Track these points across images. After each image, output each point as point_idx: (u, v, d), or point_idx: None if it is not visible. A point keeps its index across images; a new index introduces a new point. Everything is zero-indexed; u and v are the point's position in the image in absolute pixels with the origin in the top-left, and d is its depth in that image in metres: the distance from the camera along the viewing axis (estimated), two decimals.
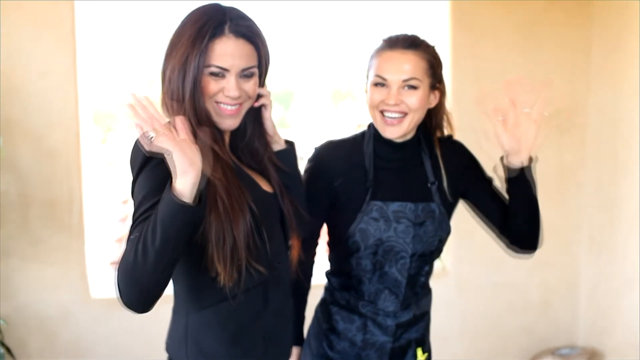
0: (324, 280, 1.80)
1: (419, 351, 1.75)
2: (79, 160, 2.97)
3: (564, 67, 3.42)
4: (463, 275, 3.45)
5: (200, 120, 1.29)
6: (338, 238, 1.69)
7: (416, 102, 1.58)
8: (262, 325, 1.39)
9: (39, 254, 2.95)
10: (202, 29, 1.28)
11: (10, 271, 2.92)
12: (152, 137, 1.08)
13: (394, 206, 1.63)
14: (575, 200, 3.54)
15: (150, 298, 1.13)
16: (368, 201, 1.63)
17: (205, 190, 1.14)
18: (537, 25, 3.36)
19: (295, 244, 1.55)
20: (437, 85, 1.64)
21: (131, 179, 1.25)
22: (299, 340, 1.77)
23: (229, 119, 1.35)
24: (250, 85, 1.35)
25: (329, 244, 1.76)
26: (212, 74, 1.30)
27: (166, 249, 1.08)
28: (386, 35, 1.62)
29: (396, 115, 1.59)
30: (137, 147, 1.24)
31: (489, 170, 1.70)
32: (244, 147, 1.46)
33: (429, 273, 1.74)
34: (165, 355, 1.44)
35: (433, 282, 1.80)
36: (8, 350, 2.75)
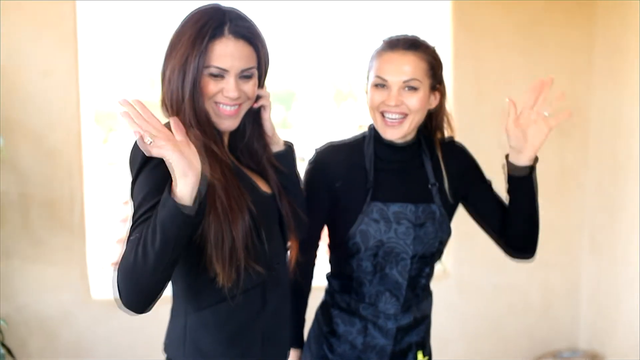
0: (324, 283, 1.80)
1: (420, 354, 1.75)
2: (80, 160, 2.97)
3: (565, 68, 3.41)
4: (464, 277, 3.44)
5: (199, 121, 1.30)
6: (338, 240, 1.69)
7: (416, 103, 1.58)
8: (261, 326, 1.39)
9: (40, 255, 2.95)
10: (202, 30, 1.28)
11: (11, 271, 2.92)
12: (150, 142, 1.08)
13: (395, 207, 1.63)
14: (576, 201, 3.53)
15: (149, 299, 1.13)
16: (368, 202, 1.63)
17: (205, 192, 1.14)
18: (539, 26, 3.36)
19: (293, 245, 1.55)
20: (438, 86, 1.64)
21: (130, 179, 1.25)
22: (299, 343, 1.76)
23: (228, 120, 1.36)
24: (250, 86, 1.35)
25: (330, 246, 1.76)
26: (212, 74, 1.31)
27: (166, 251, 1.08)
28: (386, 37, 1.62)
29: (396, 116, 1.58)
30: (136, 148, 1.24)
31: (489, 174, 1.69)
32: (243, 148, 1.47)
33: (429, 275, 1.74)
34: (164, 355, 1.44)
35: (434, 284, 1.80)
36: (8, 350, 2.75)
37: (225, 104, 1.33)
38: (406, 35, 1.61)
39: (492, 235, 1.72)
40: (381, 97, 1.58)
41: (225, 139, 1.42)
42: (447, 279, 3.41)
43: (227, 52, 1.30)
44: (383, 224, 1.62)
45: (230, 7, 1.34)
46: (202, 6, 1.34)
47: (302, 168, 1.67)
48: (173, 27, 1.34)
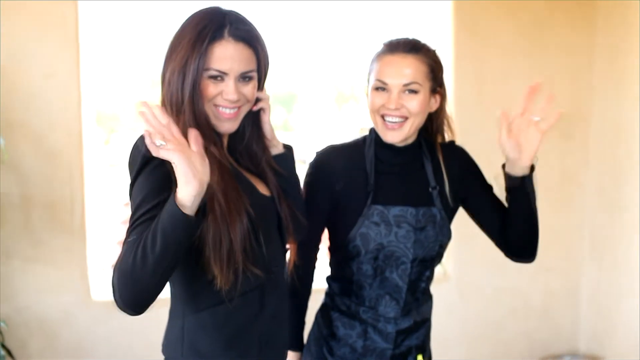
0: (324, 285, 1.79)
1: (420, 358, 1.74)
2: (81, 161, 2.97)
3: (567, 71, 3.41)
4: (464, 280, 3.44)
5: (199, 123, 1.30)
6: (339, 242, 1.69)
7: (417, 106, 1.58)
8: (258, 329, 1.39)
9: (40, 256, 2.95)
10: (202, 33, 1.28)
11: (11, 272, 2.92)
12: (160, 145, 1.09)
13: (395, 210, 1.63)
14: (577, 203, 3.53)
15: (145, 301, 1.13)
16: (369, 205, 1.63)
17: (206, 202, 1.15)
18: (540, 29, 3.36)
19: (292, 247, 1.55)
20: (438, 89, 1.64)
21: (129, 181, 1.25)
22: (299, 345, 1.76)
23: (227, 122, 1.36)
24: (249, 89, 1.36)
25: (330, 248, 1.75)
26: (211, 77, 1.31)
27: (165, 256, 1.09)
28: (387, 40, 1.62)
29: (397, 119, 1.58)
30: (136, 150, 1.24)
31: (489, 177, 1.69)
32: (242, 150, 1.47)
33: (429, 279, 1.73)
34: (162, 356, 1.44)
35: (434, 287, 1.79)
36: (8, 351, 2.75)
37: (224, 107, 1.34)
38: (407, 38, 1.61)
39: (492, 238, 1.72)
40: (381, 100, 1.59)
41: (225, 141, 1.42)
42: (447, 282, 3.41)
43: (226, 55, 1.30)
44: (383, 227, 1.62)
45: (230, 10, 1.35)
46: (203, 9, 1.34)
47: (302, 170, 1.67)
48: (174, 28, 1.35)
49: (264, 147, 1.49)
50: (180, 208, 1.08)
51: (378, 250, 1.62)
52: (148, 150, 1.11)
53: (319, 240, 1.74)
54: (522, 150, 1.48)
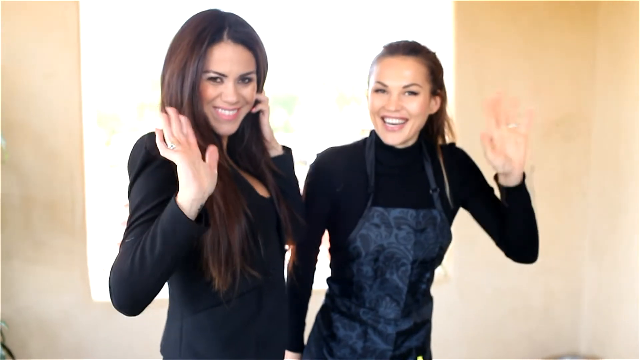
0: (325, 286, 1.80)
1: (420, 359, 1.74)
2: (82, 162, 2.97)
3: (568, 72, 3.40)
4: (464, 281, 3.44)
5: (198, 125, 1.30)
6: (339, 244, 1.69)
7: (417, 108, 1.58)
8: (256, 330, 1.39)
9: (41, 256, 2.96)
10: (201, 35, 1.29)
11: (12, 273, 2.93)
12: (172, 147, 1.09)
13: (395, 212, 1.63)
14: (578, 206, 3.53)
15: (141, 303, 1.13)
16: (369, 207, 1.63)
17: (207, 211, 1.15)
18: (542, 31, 3.36)
19: (291, 249, 1.55)
20: (438, 91, 1.64)
21: (128, 182, 1.25)
22: (299, 346, 1.76)
23: (226, 124, 1.36)
24: (248, 91, 1.36)
25: (330, 250, 1.75)
26: (211, 79, 1.31)
27: (164, 258, 1.08)
28: (387, 42, 1.62)
29: (397, 121, 1.58)
30: (135, 151, 1.24)
31: (490, 179, 1.69)
32: (241, 152, 1.47)
33: (430, 280, 1.73)
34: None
35: (435, 288, 1.79)
36: (9, 352, 2.75)
37: (223, 108, 1.34)
38: (406, 40, 1.61)
39: (494, 239, 1.71)
40: (381, 102, 1.59)
41: (224, 143, 1.42)
42: (447, 283, 3.41)
43: (225, 57, 1.30)
44: (384, 229, 1.62)
45: (229, 12, 1.35)
46: (202, 11, 1.34)
47: (302, 172, 1.67)
48: (174, 30, 1.35)
49: (263, 149, 1.49)
50: (181, 210, 1.08)
51: (378, 251, 1.62)
52: (152, 149, 1.11)
53: (319, 242, 1.75)
54: (511, 160, 1.47)
